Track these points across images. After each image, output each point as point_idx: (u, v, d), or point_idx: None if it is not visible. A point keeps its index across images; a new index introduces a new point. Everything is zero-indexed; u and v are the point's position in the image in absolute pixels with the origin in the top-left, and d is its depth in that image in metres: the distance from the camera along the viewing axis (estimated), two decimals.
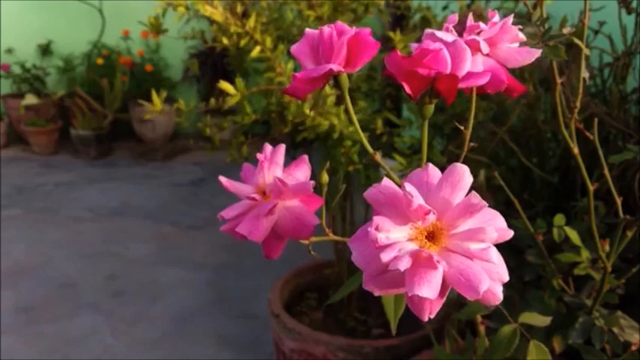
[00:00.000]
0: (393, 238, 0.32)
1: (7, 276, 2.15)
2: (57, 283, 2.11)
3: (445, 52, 0.38)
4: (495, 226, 0.33)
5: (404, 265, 0.30)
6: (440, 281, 0.31)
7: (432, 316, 0.33)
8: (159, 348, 1.72)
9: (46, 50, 3.93)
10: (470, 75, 0.39)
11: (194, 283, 2.11)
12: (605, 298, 0.75)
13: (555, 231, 0.82)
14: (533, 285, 0.86)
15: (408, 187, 0.33)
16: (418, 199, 0.32)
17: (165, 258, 2.31)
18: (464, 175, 0.33)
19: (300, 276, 1.57)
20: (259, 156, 0.43)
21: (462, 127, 0.45)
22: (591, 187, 0.67)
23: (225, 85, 0.97)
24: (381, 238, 0.31)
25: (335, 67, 0.40)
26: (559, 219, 0.82)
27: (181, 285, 2.10)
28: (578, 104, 0.63)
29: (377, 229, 0.32)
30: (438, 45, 0.38)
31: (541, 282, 0.85)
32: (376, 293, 0.34)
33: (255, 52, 1.03)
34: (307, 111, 1.02)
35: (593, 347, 0.70)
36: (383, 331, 1.42)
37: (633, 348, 0.69)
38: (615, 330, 0.71)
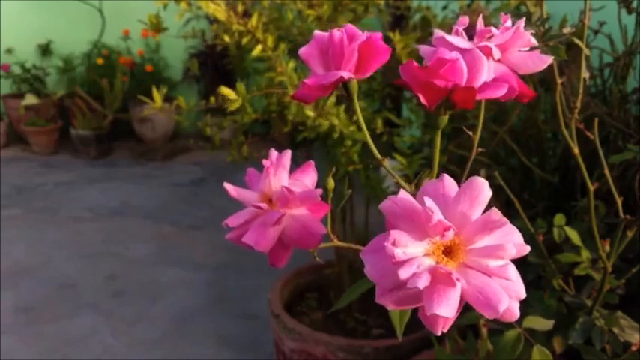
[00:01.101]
0: (410, 253, 0.31)
1: (7, 276, 2.14)
2: (57, 283, 2.11)
3: (462, 62, 0.36)
4: (513, 241, 0.32)
5: (423, 282, 0.30)
6: (458, 299, 0.30)
7: (445, 330, 0.33)
8: (159, 348, 1.72)
9: (46, 50, 3.92)
10: (486, 86, 0.37)
11: (194, 283, 2.11)
12: (605, 298, 0.75)
13: (555, 231, 0.82)
14: (534, 285, 0.86)
15: (428, 201, 0.32)
16: (438, 215, 0.31)
17: (165, 258, 2.31)
18: (483, 189, 0.32)
19: (300, 276, 1.57)
20: (265, 162, 0.42)
21: (469, 132, 0.45)
22: (591, 187, 0.67)
23: (225, 90, 0.97)
24: (399, 253, 0.30)
25: (346, 74, 0.39)
26: (559, 219, 0.82)
27: (181, 285, 2.10)
28: (578, 104, 0.63)
29: (394, 243, 0.31)
30: (454, 55, 0.36)
31: (541, 282, 0.85)
32: (390, 307, 0.33)
33: (257, 51, 1.03)
34: (309, 113, 1.02)
35: (593, 347, 0.70)
36: (383, 331, 1.42)
37: (633, 348, 0.69)
38: (615, 330, 0.71)
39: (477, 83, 0.37)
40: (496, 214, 0.31)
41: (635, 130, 0.97)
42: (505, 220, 0.31)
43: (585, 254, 0.79)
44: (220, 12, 0.98)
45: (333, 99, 1.06)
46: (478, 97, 0.38)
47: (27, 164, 3.53)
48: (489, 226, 0.31)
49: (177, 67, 3.92)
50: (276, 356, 1.43)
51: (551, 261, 0.82)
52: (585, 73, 0.60)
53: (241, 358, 1.67)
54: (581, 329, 0.72)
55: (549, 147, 1.18)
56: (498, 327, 0.68)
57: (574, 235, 0.80)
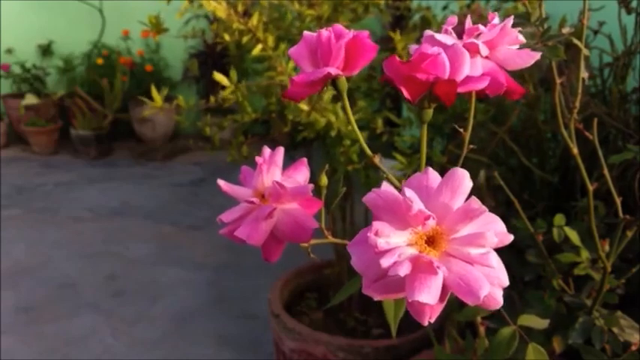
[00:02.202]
0: (393, 243, 0.32)
1: (7, 276, 2.15)
2: (57, 283, 2.11)
3: (443, 56, 0.37)
4: (495, 230, 0.33)
5: (404, 270, 0.30)
6: (440, 286, 0.31)
7: (432, 321, 0.33)
8: (159, 348, 1.72)
9: (46, 50, 3.92)
10: (468, 79, 0.38)
11: (194, 283, 2.11)
12: (605, 298, 0.75)
13: (555, 231, 0.82)
14: (533, 285, 0.86)
15: (408, 192, 0.32)
16: (418, 205, 0.32)
17: (165, 258, 2.31)
18: (464, 179, 0.33)
19: (300, 276, 1.57)
20: (258, 159, 0.43)
21: (462, 130, 0.45)
22: (591, 187, 0.67)
23: (218, 76, 0.97)
24: (381, 243, 0.31)
25: (333, 70, 0.40)
26: (559, 219, 0.82)
27: (181, 285, 2.10)
28: (577, 105, 0.63)
29: (376, 234, 0.32)
30: (436, 49, 0.37)
31: (541, 282, 0.85)
32: (376, 298, 0.34)
33: (257, 50, 1.03)
34: (304, 107, 1.02)
35: (593, 347, 0.70)
36: (383, 331, 1.42)
37: (633, 348, 0.69)
38: (615, 330, 0.71)
39: (460, 77, 0.38)
40: (475, 202, 0.32)
41: (635, 130, 0.97)
42: (484, 208, 0.32)
43: (585, 254, 0.79)
44: (221, 10, 0.98)
45: (330, 95, 1.06)
46: (460, 90, 0.38)
47: (27, 164, 3.53)
48: (469, 214, 0.32)
49: (177, 67, 3.92)
50: (276, 356, 1.43)
51: (551, 261, 0.82)
52: (584, 73, 0.60)
53: (241, 358, 1.67)
54: (581, 329, 0.72)
55: (549, 147, 1.18)
56: (496, 326, 0.68)
57: (574, 235, 0.80)
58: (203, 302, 1.98)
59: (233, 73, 0.98)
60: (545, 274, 0.83)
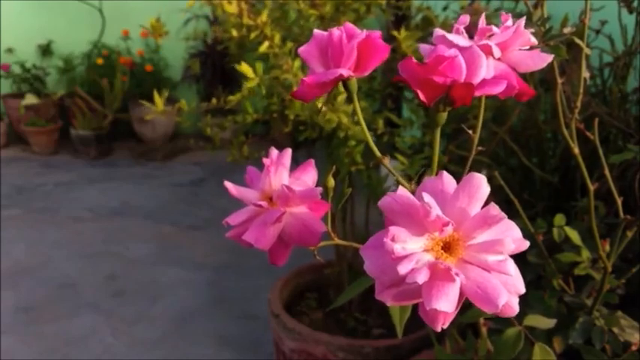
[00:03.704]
0: (410, 249, 0.31)
1: (7, 276, 2.14)
2: (57, 283, 2.10)
3: (460, 59, 0.37)
4: (512, 237, 0.32)
5: (422, 278, 0.30)
6: (457, 294, 0.30)
7: (446, 327, 0.33)
8: (159, 348, 1.72)
9: (46, 50, 3.92)
10: (485, 83, 0.38)
11: (194, 283, 2.11)
12: (606, 298, 0.75)
13: (555, 231, 0.82)
14: (533, 285, 0.86)
15: (426, 197, 0.32)
16: (436, 210, 0.31)
17: (165, 258, 2.31)
18: (481, 185, 0.33)
19: (300, 276, 1.57)
20: (265, 160, 0.42)
21: (470, 131, 0.45)
22: (591, 187, 0.67)
23: (245, 67, 0.97)
24: (398, 249, 0.30)
25: (345, 72, 0.39)
26: (559, 219, 0.82)
27: (181, 285, 2.10)
28: (579, 104, 0.63)
29: (393, 239, 0.31)
30: (453, 52, 0.37)
31: (541, 282, 0.85)
32: (389, 303, 0.33)
33: (264, 47, 1.03)
34: (322, 106, 1.01)
35: (593, 347, 0.70)
36: (383, 331, 1.42)
37: (633, 348, 0.69)
38: (615, 330, 0.71)
39: (476, 80, 0.37)
40: (494, 209, 0.31)
41: (635, 130, 0.97)
42: (503, 214, 0.31)
43: (585, 254, 0.79)
44: (231, 6, 0.98)
45: (344, 96, 1.05)
46: (477, 93, 0.38)
47: (27, 164, 3.53)
48: (488, 221, 0.32)
49: (177, 67, 3.92)
50: (276, 356, 1.43)
51: (552, 261, 0.82)
52: (586, 73, 0.60)
53: (241, 358, 1.67)
54: (581, 329, 0.72)
55: (549, 147, 1.18)
56: (498, 326, 0.69)
57: (574, 235, 0.80)
58: (203, 302, 1.98)
59: (259, 65, 0.97)
60: (546, 274, 0.83)
